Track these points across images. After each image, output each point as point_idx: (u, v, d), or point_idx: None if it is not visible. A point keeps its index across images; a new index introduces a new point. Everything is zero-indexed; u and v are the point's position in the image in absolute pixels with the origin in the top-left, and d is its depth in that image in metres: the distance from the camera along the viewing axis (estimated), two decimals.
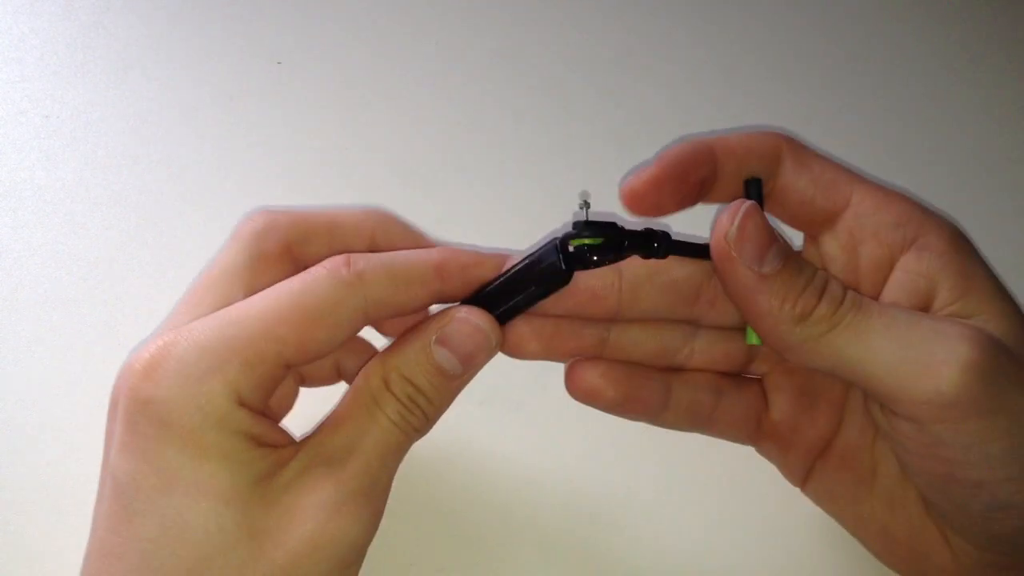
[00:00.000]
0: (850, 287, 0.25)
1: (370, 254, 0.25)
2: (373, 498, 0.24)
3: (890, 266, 0.27)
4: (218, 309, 0.24)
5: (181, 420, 0.22)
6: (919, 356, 0.23)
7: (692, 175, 0.26)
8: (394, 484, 0.25)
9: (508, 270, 0.26)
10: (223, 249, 0.27)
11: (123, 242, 0.40)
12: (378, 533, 0.24)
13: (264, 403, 0.24)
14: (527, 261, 0.26)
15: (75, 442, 0.35)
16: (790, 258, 0.25)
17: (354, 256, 0.25)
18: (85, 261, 0.39)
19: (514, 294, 0.26)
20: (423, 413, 0.25)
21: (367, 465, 0.24)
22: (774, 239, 0.25)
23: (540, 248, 0.26)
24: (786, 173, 0.27)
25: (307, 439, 0.25)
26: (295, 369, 0.28)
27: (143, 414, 0.22)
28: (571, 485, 0.34)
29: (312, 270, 0.24)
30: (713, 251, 0.25)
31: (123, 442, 0.23)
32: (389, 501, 0.25)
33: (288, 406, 0.30)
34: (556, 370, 0.29)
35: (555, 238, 0.26)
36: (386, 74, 0.47)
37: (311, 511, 0.23)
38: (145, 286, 0.39)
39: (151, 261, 0.39)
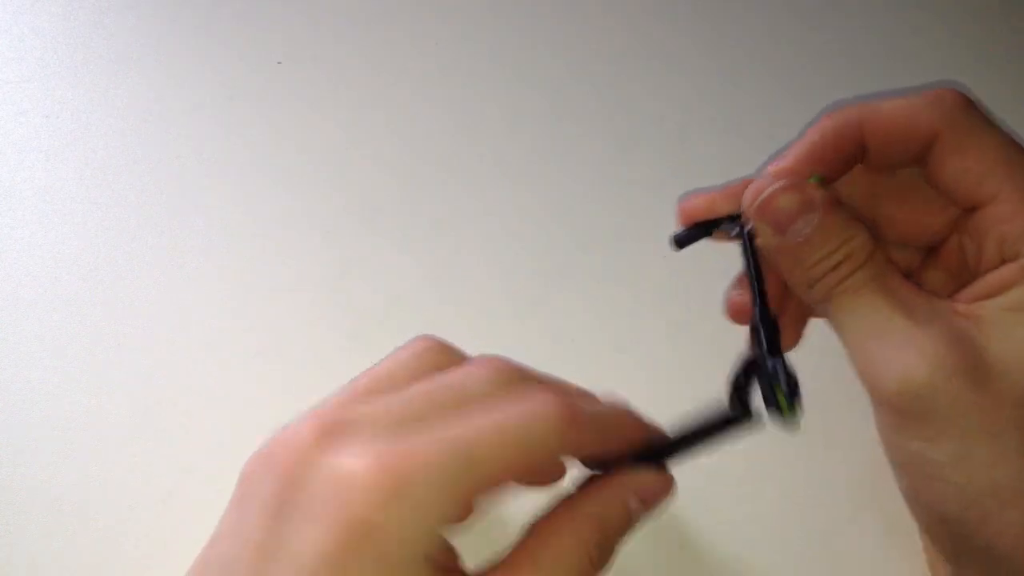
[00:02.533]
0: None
1: (586, 404, 0.24)
2: None
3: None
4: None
5: (403, 557, 0.21)
6: (879, 351, 0.24)
7: (836, 164, 0.27)
8: None
9: (690, 434, 0.26)
10: (520, 406, 0.24)
11: (123, 242, 0.40)
12: None
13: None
14: (709, 422, 0.26)
15: (75, 442, 0.35)
16: (818, 229, 0.25)
17: (576, 405, 0.24)
18: (85, 261, 0.39)
19: (698, 441, 0.26)
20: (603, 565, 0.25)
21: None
22: (801, 212, 0.25)
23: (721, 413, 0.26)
24: (935, 159, 0.26)
25: None
26: None
27: (368, 541, 0.21)
28: None
29: (532, 407, 0.23)
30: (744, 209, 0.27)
31: (333, 560, 0.21)
32: None
33: None
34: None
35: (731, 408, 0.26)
36: (386, 74, 0.47)
37: None
38: (145, 286, 0.39)
39: (151, 261, 0.39)
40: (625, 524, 0.25)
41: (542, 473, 0.25)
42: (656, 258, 0.32)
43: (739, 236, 0.27)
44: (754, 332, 0.27)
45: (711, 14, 0.51)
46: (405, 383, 0.25)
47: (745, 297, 0.28)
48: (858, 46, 0.51)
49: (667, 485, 0.25)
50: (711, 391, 0.37)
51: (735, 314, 0.28)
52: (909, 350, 0.24)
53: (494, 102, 0.46)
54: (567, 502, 0.25)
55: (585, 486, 0.25)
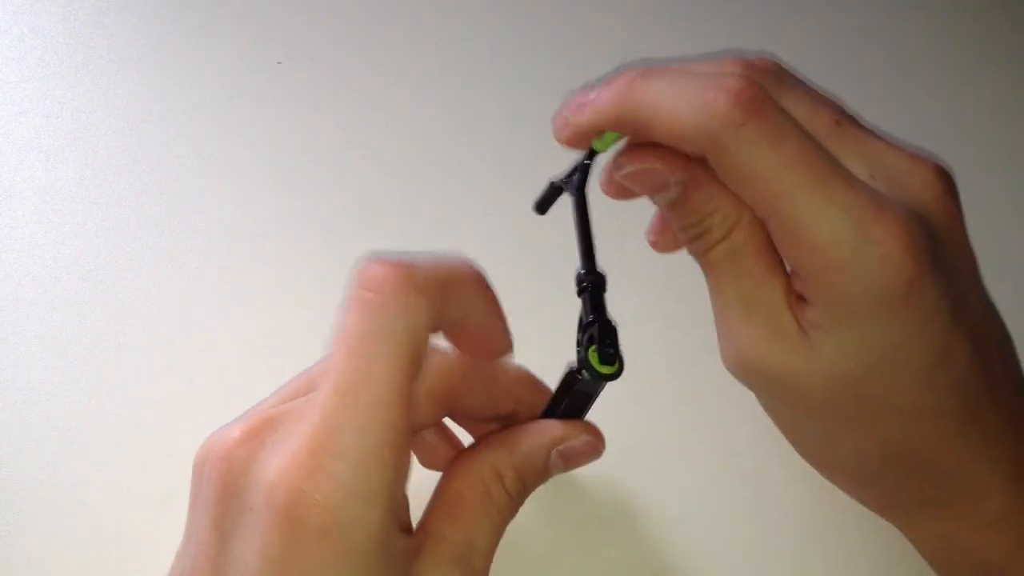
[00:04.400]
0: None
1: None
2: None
3: None
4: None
5: (353, 549, 0.21)
6: (721, 326, 0.27)
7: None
8: None
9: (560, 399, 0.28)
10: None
11: (123, 242, 0.40)
12: None
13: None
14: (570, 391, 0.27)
15: (75, 442, 0.35)
16: (680, 200, 0.26)
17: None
18: (85, 261, 0.39)
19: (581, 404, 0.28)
20: (517, 510, 0.26)
21: (485, 563, 0.24)
22: (664, 185, 0.26)
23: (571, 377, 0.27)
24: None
25: (428, 528, 0.24)
26: None
27: (301, 533, 0.21)
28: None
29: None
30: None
31: (280, 563, 0.21)
32: None
33: None
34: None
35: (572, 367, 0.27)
36: (387, 74, 0.47)
37: None
38: (145, 286, 0.39)
39: (151, 261, 0.39)
40: (541, 469, 0.26)
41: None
42: (660, 258, 0.32)
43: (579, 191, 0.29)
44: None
45: (711, 14, 0.51)
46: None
47: (659, 231, 0.30)
48: (857, 46, 0.51)
49: (595, 450, 0.27)
50: (711, 393, 0.37)
51: (654, 245, 0.30)
52: (733, 342, 0.25)
53: (494, 102, 0.46)
54: (487, 440, 0.26)
55: (508, 430, 0.26)
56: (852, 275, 0.22)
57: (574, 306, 0.27)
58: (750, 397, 0.28)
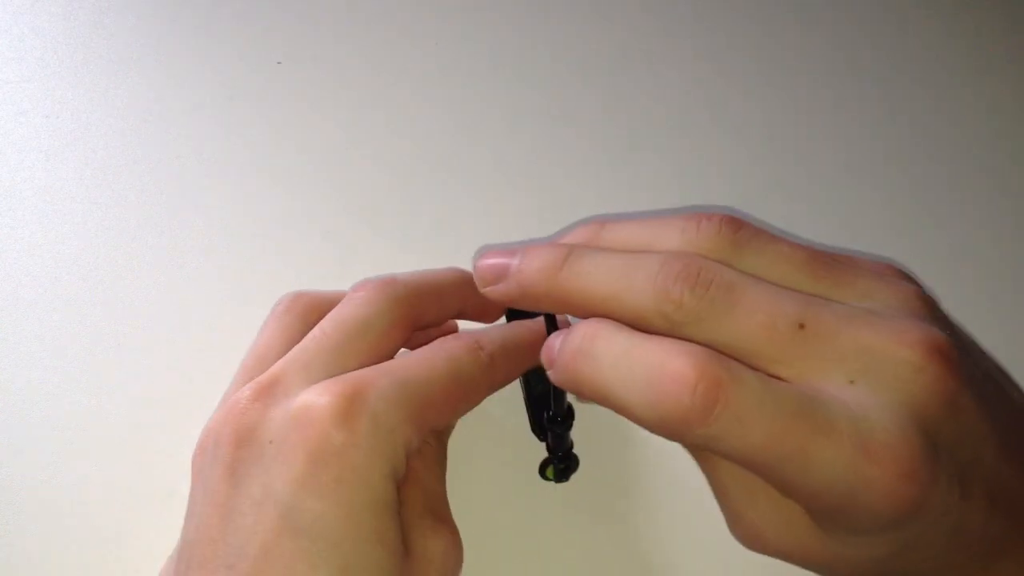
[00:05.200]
0: None
1: (492, 334, 0.29)
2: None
3: None
4: (365, 362, 0.26)
5: (372, 473, 0.23)
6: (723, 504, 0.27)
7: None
8: None
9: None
10: (356, 304, 0.28)
11: (123, 242, 0.40)
12: None
13: None
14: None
15: (75, 442, 0.35)
16: None
17: (482, 339, 0.28)
18: (85, 261, 0.39)
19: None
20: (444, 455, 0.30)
21: (446, 508, 0.27)
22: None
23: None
24: None
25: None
26: None
27: (338, 459, 0.23)
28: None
29: (450, 346, 0.27)
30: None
31: (309, 482, 0.23)
32: None
33: None
34: None
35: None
36: (387, 74, 0.47)
37: (438, 560, 0.25)
38: (145, 286, 0.39)
39: (151, 261, 0.39)
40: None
41: (469, 407, 0.28)
42: None
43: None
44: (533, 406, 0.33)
45: (711, 14, 0.51)
46: (297, 339, 0.28)
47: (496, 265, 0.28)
48: (857, 46, 0.51)
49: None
50: None
51: (484, 281, 0.27)
52: (742, 525, 0.25)
53: (494, 102, 0.46)
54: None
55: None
56: (854, 514, 0.22)
57: None
58: None
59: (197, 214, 0.41)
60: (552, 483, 0.34)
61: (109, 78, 0.45)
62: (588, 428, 0.35)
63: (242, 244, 0.40)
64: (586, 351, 0.22)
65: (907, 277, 0.25)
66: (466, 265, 0.40)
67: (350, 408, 0.23)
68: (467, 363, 0.27)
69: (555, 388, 0.30)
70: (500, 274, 0.25)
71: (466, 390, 0.27)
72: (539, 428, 0.32)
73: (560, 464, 0.33)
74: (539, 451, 0.34)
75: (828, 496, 0.21)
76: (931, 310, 0.24)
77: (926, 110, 0.48)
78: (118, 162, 0.42)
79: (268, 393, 0.25)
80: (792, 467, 0.21)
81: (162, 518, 0.33)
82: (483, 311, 0.32)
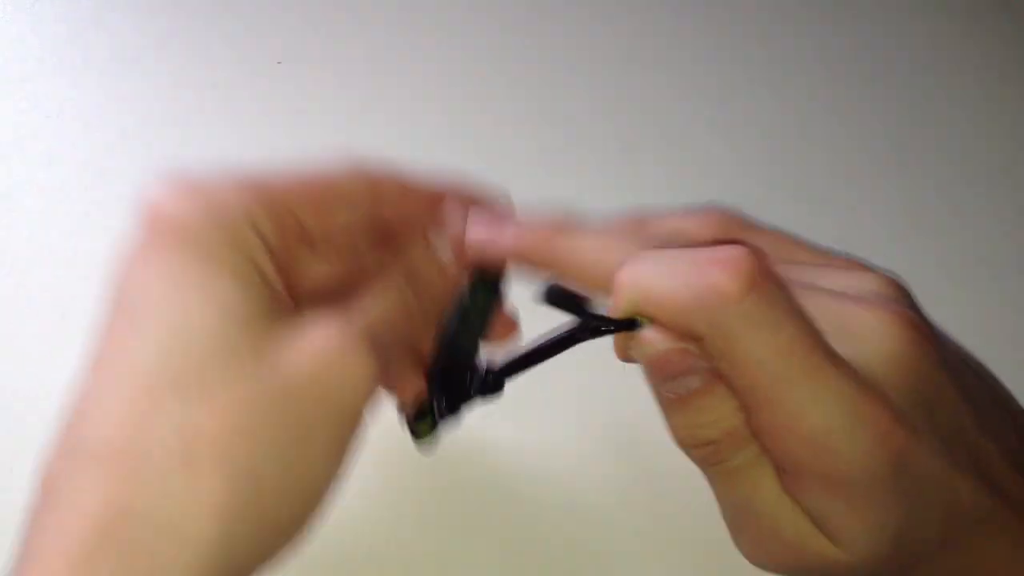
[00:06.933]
0: None
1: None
2: (377, 355, 0.23)
3: None
4: None
5: (199, 235, 0.23)
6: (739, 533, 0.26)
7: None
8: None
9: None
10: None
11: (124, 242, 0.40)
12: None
13: (285, 264, 0.25)
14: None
15: None
16: (697, 395, 0.24)
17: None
18: (85, 261, 0.39)
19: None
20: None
21: (375, 321, 0.24)
22: (682, 371, 0.24)
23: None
24: None
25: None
26: (311, 248, 0.27)
27: (161, 226, 0.23)
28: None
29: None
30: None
31: (134, 255, 0.23)
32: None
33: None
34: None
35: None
36: (387, 74, 0.47)
37: (314, 346, 0.22)
38: None
39: None
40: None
41: (346, 205, 0.26)
42: None
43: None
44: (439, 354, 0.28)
45: (712, 14, 0.51)
46: None
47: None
48: (857, 47, 0.51)
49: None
50: None
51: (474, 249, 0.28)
52: (762, 547, 0.25)
53: (494, 102, 0.46)
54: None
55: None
56: (847, 460, 0.22)
57: None
58: None
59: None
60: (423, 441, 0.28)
61: (109, 78, 0.45)
62: (589, 428, 0.35)
63: None
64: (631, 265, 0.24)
65: (881, 272, 0.26)
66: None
67: (178, 181, 0.25)
68: (332, 165, 0.26)
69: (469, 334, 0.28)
70: (489, 242, 0.27)
71: (333, 183, 0.26)
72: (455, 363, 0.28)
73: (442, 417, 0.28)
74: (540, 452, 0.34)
75: (826, 438, 0.22)
76: (906, 297, 0.25)
77: (926, 109, 0.48)
78: (118, 162, 0.42)
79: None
80: (804, 394, 0.22)
81: None
82: (407, 212, 0.29)
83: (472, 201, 0.29)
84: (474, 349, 0.28)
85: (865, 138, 0.47)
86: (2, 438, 0.35)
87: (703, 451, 0.24)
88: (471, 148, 0.45)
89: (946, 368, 0.24)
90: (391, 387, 0.28)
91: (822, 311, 0.23)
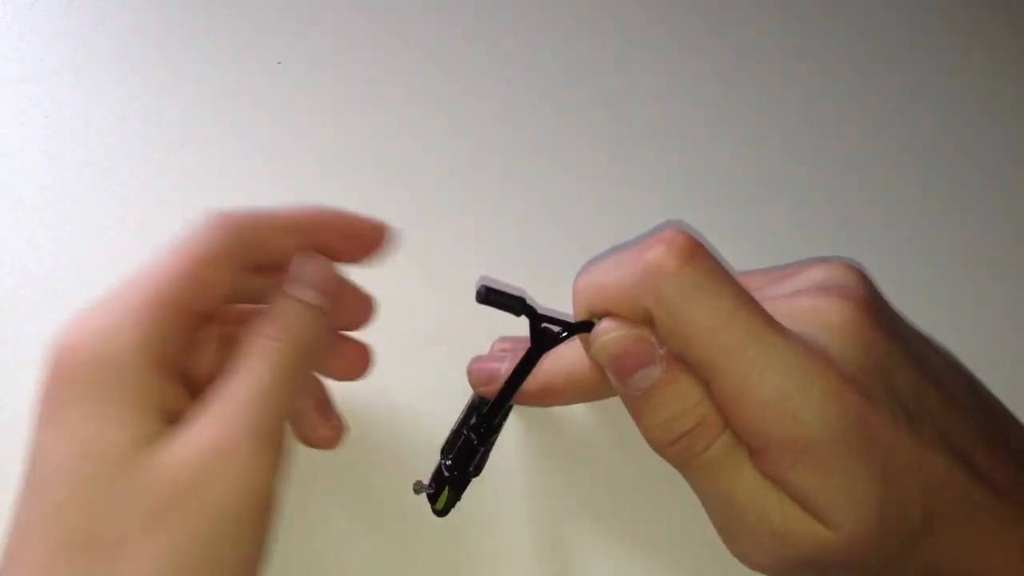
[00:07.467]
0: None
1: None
2: (269, 433, 0.24)
3: None
4: None
5: (90, 378, 0.24)
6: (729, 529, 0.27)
7: None
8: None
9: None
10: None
11: (123, 242, 0.40)
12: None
13: (183, 354, 0.26)
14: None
15: None
16: (655, 387, 0.24)
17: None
18: (86, 261, 0.39)
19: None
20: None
21: (252, 408, 0.24)
22: (640, 363, 0.24)
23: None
24: None
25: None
26: (205, 318, 0.28)
27: (59, 375, 0.25)
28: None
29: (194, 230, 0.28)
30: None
31: (38, 407, 0.25)
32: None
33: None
34: None
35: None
36: (387, 75, 0.47)
37: (202, 459, 0.23)
38: None
39: None
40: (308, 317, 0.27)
41: (222, 271, 0.27)
42: None
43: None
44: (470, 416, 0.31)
45: (711, 14, 0.51)
46: None
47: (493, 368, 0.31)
48: (856, 46, 0.51)
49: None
50: None
51: (478, 382, 0.31)
52: (757, 543, 0.25)
53: (494, 102, 0.46)
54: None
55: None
56: (806, 422, 0.22)
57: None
58: None
59: (197, 214, 0.41)
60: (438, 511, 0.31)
61: (109, 78, 0.45)
62: (588, 428, 0.35)
63: None
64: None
65: (834, 262, 0.27)
66: (468, 277, 0.40)
67: (86, 319, 0.26)
68: (201, 231, 0.28)
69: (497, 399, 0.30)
70: (491, 377, 0.30)
71: (207, 254, 0.27)
72: (479, 434, 0.30)
73: (458, 486, 0.30)
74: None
75: (783, 403, 0.22)
76: (859, 280, 0.26)
77: (925, 109, 0.48)
78: (118, 162, 0.42)
79: None
80: (753, 360, 0.22)
81: None
82: (350, 248, 0.30)
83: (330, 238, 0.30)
84: (484, 444, 0.30)
85: (865, 138, 0.47)
86: (2, 438, 0.35)
87: (678, 446, 0.25)
88: (472, 148, 0.45)
89: (899, 341, 0.24)
90: (305, 438, 0.30)
91: (776, 312, 0.24)
